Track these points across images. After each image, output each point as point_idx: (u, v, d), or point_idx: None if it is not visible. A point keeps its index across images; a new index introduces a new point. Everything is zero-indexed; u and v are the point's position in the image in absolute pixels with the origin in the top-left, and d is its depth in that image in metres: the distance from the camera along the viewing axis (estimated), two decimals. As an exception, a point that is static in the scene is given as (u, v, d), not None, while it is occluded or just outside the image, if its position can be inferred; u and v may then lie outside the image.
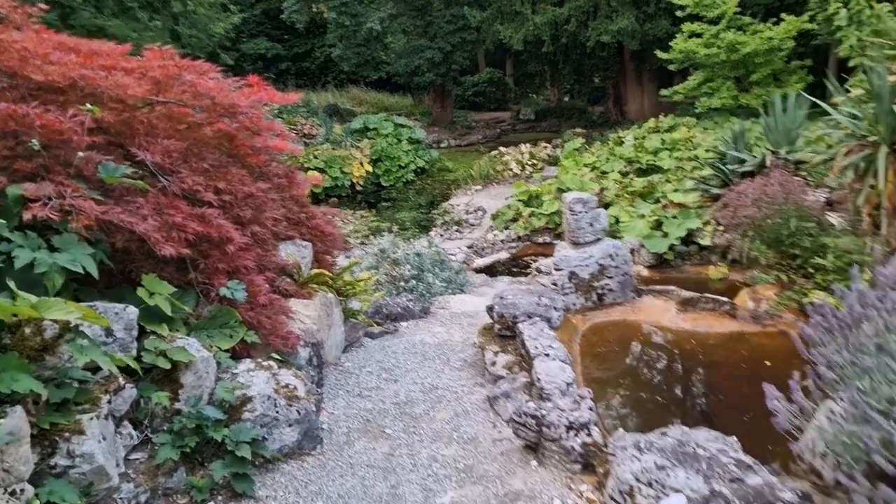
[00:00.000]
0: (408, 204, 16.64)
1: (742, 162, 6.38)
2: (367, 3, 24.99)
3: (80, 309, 2.21)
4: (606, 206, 11.89)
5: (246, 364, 3.05)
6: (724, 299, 4.62)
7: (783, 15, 14.92)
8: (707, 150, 13.34)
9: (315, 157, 17.09)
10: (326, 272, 3.88)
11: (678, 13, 16.17)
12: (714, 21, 15.43)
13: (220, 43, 22.18)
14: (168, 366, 2.62)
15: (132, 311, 2.61)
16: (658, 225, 7.99)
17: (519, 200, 12.96)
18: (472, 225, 13.54)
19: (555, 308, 4.16)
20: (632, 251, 8.30)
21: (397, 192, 17.93)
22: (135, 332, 2.62)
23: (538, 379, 3.25)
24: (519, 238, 12.22)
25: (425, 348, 4.50)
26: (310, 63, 32.76)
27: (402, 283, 7.62)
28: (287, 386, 3.01)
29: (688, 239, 7.71)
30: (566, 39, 20.18)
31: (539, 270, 8.97)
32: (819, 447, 2.60)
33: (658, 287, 4.92)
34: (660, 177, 12.56)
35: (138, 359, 2.63)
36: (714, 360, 4.04)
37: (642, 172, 13.59)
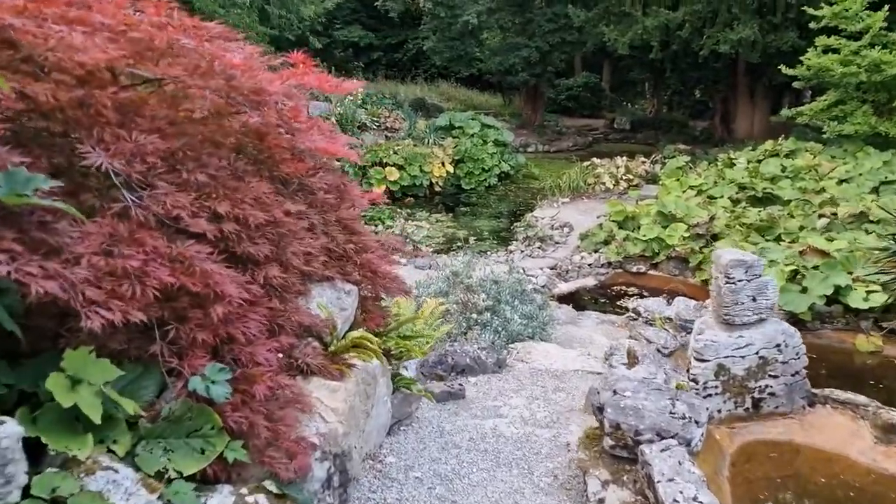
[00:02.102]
0: (488, 211, 15.45)
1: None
2: (464, -5, 23.90)
3: None
4: (714, 236, 10.39)
5: (220, 498, 1.94)
6: (950, 430, 3.23)
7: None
8: (832, 180, 11.60)
9: (395, 153, 16.12)
10: (371, 337, 2.74)
11: (812, 24, 14.31)
12: (855, 36, 13.54)
13: (311, 27, 21.57)
14: (61, 534, 1.53)
15: (10, 433, 1.52)
16: (793, 275, 6.51)
17: (613, 221, 11.57)
18: (557, 243, 12.22)
19: (697, 423, 2.88)
20: (755, 303, 6.84)
21: (478, 197, 16.77)
22: (14, 469, 1.54)
23: (686, 576, 2.03)
24: (609, 264, 10.83)
25: (499, 444, 3.31)
26: (401, 55, 31.98)
27: (475, 315, 6.45)
28: (279, 546, 1.88)
29: (831, 297, 6.23)
30: (677, 46, 18.51)
31: (637, 314, 7.63)
32: None
33: (841, 395, 3.54)
34: (780, 209, 10.94)
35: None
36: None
37: (757, 201, 11.96)
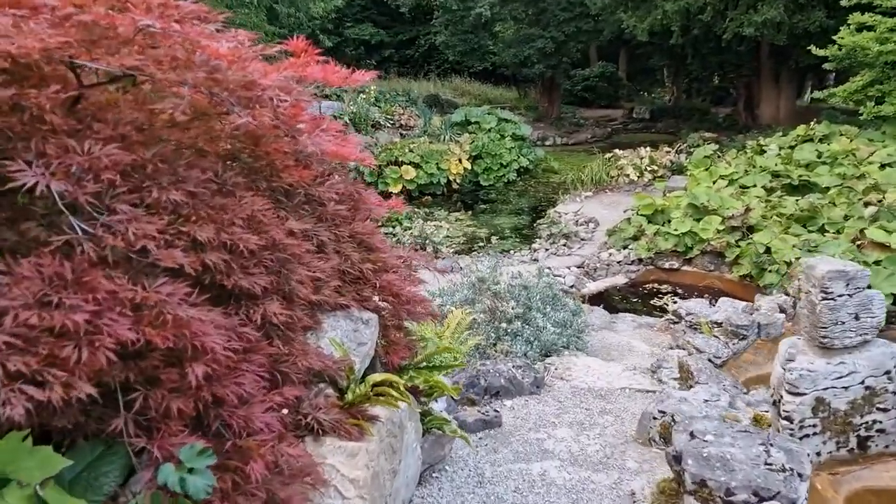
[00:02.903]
0: (508, 207, 14.93)
1: None
2: (477, -13, 23.36)
3: None
4: (750, 228, 9.81)
5: None
6: None
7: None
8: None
9: (411, 151, 15.65)
10: (396, 381, 2.26)
11: (843, 2, 13.63)
12: (890, 13, 12.85)
13: (322, 26, 21.19)
14: None
15: None
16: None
17: (641, 215, 11.01)
18: (583, 239, 11.68)
19: (800, 475, 2.35)
20: (808, 302, 6.30)
21: (497, 194, 16.26)
22: None
23: None
24: (640, 260, 10.30)
25: (550, 495, 2.82)
26: (413, 51, 31.53)
27: (504, 324, 5.97)
28: None
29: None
30: (698, 31, 17.85)
31: (678, 317, 7.09)
32: None
33: (962, 429, 3.02)
34: (819, 197, 10.32)
35: None
36: None
37: (793, 190, 11.35)
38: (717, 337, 5.34)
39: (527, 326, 5.99)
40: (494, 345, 5.93)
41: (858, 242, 6.27)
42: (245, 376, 1.78)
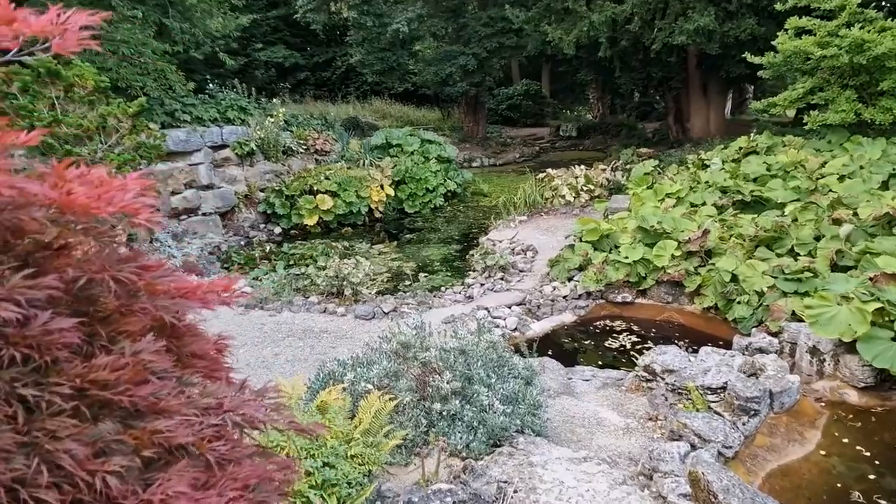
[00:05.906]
0: (436, 236, 13.53)
1: None
2: (392, 2, 22.10)
3: None
4: (709, 253, 8.70)
5: None
6: None
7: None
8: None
9: (327, 178, 14.11)
10: None
11: (777, 6, 12.98)
12: (827, 16, 12.23)
13: (226, 46, 19.41)
14: None
15: None
16: (878, 315, 4.74)
17: (586, 241, 9.77)
18: (522, 271, 10.35)
19: None
20: (813, 351, 5.07)
21: (424, 221, 14.87)
22: None
23: None
24: (588, 294, 9.03)
25: None
26: (330, 73, 30.03)
27: (438, 405, 4.48)
28: None
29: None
30: (627, 42, 17.03)
31: (652, 374, 5.77)
32: None
33: None
34: (779, 214, 9.34)
35: None
36: None
37: (745, 206, 10.39)
38: (719, 414, 4.01)
39: (468, 406, 4.53)
40: (426, 433, 4.45)
41: (871, 276, 5.08)
42: None
